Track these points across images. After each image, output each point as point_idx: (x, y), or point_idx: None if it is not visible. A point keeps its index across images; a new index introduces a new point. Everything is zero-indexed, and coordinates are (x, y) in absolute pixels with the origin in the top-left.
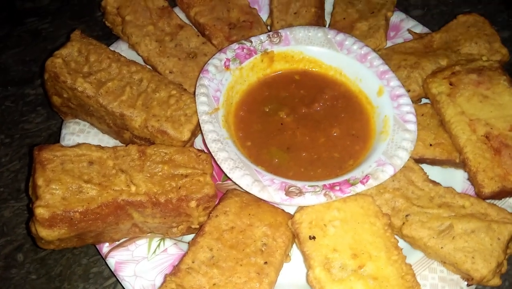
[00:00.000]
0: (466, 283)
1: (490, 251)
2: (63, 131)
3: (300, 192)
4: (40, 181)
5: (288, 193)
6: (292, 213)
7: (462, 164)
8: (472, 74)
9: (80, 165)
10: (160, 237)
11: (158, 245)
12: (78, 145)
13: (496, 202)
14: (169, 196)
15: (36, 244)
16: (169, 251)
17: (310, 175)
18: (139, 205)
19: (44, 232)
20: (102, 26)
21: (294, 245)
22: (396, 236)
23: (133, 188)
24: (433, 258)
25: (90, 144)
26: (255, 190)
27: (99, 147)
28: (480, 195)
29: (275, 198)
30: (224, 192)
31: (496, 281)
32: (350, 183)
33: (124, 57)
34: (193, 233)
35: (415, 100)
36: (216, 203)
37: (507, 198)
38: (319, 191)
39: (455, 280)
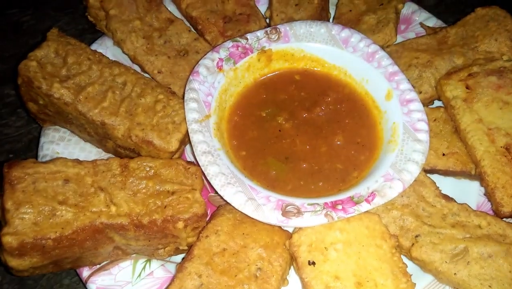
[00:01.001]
0: None
1: (509, 279)
2: (42, 140)
3: (299, 212)
4: (8, 204)
5: (285, 213)
6: (290, 231)
7: (479, 177)
8: (492, 76)
9: (55, 183)
10: (146, 258)
11: (144, 268)
12: (53, 160)
13: None
14: (154, 217)
15: (9, 272)
16: (155, 274)
17: (310, 189)
18: (120, 228)
19: (13, 262)
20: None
21: (293, 268)
22: (404, 258)
23: (113, 209)
24: (445, 284)
25: (66, 159)
26: (248, 210)
27: (77, 162)
28: (498, 214)
29: (271, 220)
30: (216, 206)
31: None
32: (354, 202)
33: (107, 57)
34: (182, 254)
35: (427, 103)
36: (208, 219)
37: None
38: (319, 210)
39: None
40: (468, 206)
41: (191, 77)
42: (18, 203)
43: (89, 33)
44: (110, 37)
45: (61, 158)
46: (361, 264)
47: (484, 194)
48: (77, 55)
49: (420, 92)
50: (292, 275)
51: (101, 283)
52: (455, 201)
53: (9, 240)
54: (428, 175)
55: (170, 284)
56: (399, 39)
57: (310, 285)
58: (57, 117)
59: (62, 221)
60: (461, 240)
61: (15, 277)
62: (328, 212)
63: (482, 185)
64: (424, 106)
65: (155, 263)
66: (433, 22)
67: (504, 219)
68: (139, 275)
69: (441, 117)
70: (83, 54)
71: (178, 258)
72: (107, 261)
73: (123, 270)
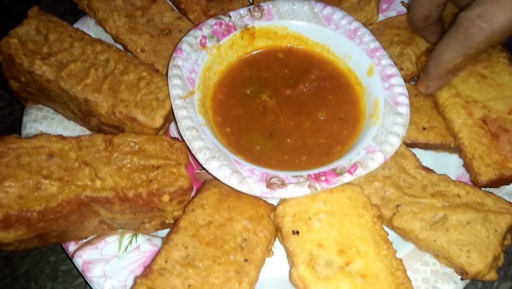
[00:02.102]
0: (460, 277)
1: (486, 244)
2: (25, 118)
3: (283, 184)
4: None
5: (269, 185)
6: (275, 204)
7: (457, 149)
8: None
9: (39, 158)
10: (132, 233)
11: (130, 242)
12: (36, 136)
13: (492, 190)
14: (139, 191)
15: None
16: (142, 248)
17: (294, 163)
18: (105, 201)
19: None
20: (70, 0)
21: (278, 239)
22: (386, 228)
23: (98, 183)
24: (425, 251)
25: (49, 134)
26: (233, 183)
27: (60, 137)
28: (476, 183)
29: (255, 191)
30: (202, 182)
31: (492, 275)
32: (336, 173)
33: (89, 35)
34: (168, 228)
35: (408, 79)
36: (193, 195)
37: (504, 185)
38: (303, 182)
39: (448, 274)
40: (448, 176)
41: (174, 54)
42: (1, 177)
43: (71, 14)
44: (92, 17)
45: (44, 133)
46: (343, 232)
47: (463, 166)
48: (58, 32)
49: (402, 69)
50: (277, 247)
51: (87, 257)
52: (435, 172)
53: None
54: (409, 148)
55: (156, 255)
56: (381, 17)
57: (294, 253)
58: (39, 94)
59: (47, 195)
60: (440, 209)
61: (0, 255)
62: (312, 183)
63: (460, 157)
64: (405, 82)
65: (141, 238)
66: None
67: (482, 188)
68: (126, 249)
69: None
70: (65, 31)
71: (164, 232)
72: (93, 236)
73: (110, 244)
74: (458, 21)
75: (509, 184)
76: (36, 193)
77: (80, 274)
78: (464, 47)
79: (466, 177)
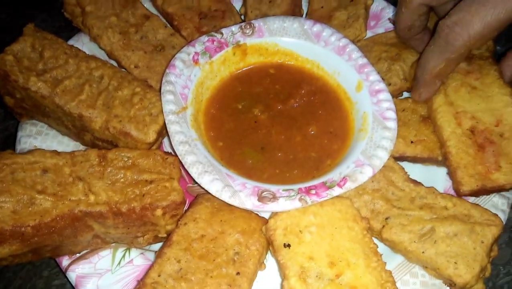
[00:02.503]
0: (448, 288)
1: (473, 255)
2: (19, 134)
3: (274, 197)
4: None
5: (261, 198)
6: (267, 217)
7: (443, 158)
8: (462, 62)
9: (33, 173)
10: (126, 247)
11: (123, 256)
12: (31, 151)
13: (479, 201)
14: (132, 205)
15: None
16: (135, 262)
17: (285, 177)
18: (99, 216)
19: None
20: (65, 16)
21: (270, 252)
22: (376, 240)
23: (91, 198)
24: (414, 263)
25: (44, 150)
26: (225, 196)
27: (55, 153)
28: (458, 193)
29: (247, 205)
30: (194, 196)
31: (480, 286)
32: (326, 186)
33: (84, 52)
34: (161, 242)
35: (396, 94)
36: (186, 208)
37: (489, 196)
38: (294, 195)
39: (437, 285)
40: (435, 189)
41: (167, 70)
42: None
43: (66, 31)
44: (87, 34)
45: (39, 149)
46: (334, 245)
47: (447, 174)
48: (53, 49)
49: (390, 84)
50: (269, 261)
51: (81, 271)
52: (422, 185)
53: None
54: (398, 162)
55: (149, 269)
56: (369, 34)
57: (286, 266)
58: (34, 110)
59: (41, 210)
60: (428, 221)
61: None
62: (302, 197)
63: (445, 165)
64: (393, 97)
65: (134, 252)
66: None
67: (462, 197)
68: (119, 263)
69: (409, 107)
70: (60, 48)
71: (157, 246)
72: (86, 250)
73: (103, 258)
74: (438, 29)
75: (489, 195)
76: (30, 208)
77: None
78: (445, 53)
79: (452, 190)
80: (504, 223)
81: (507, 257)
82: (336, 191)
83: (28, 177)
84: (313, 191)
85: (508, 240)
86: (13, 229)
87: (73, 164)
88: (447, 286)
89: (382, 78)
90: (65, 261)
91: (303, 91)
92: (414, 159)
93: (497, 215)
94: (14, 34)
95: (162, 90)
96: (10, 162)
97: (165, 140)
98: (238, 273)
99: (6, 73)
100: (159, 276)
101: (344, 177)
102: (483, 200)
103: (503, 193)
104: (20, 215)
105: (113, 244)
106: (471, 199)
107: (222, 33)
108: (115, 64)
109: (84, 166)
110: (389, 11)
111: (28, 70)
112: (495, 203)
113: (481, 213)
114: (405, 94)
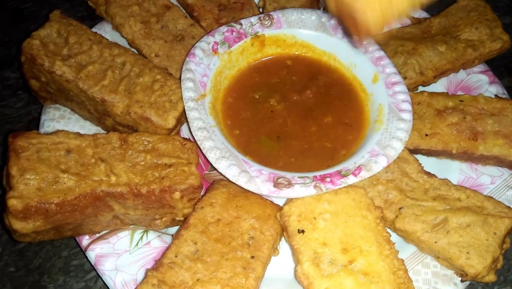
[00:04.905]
0: (460, 279)
1: (485, 246)
2: (43, 117)
3: (289, 184)
4: (13, 171)
5: (276, 184)
6: (281, 205)
7: (460, 156)
8: None
9: (57, 153)
10: (143, 229)
11: (141, 238)
12: (56, 132)
13: (493, 194)
14: (152, 187)
15: (11, 237)
16: (152, 244)
17: (300, 165)
18: (120, 196)
19: (17, 225)
20: (87, 6)
21: (283, 238)
22: (388, 230)
23: (113, 178)
24: (426, 253)
25: (68, 131)
26: (241, 181)
27: (78, 134)
28: None
29: (263, 190)
30: (211, 183)
31: (491, 277)
32: (341, 175)
33: (107, 39)
34: (177, 225)
35: (412, 88)
36: (202, 194)
37: (503, 190)
38: (309, 182)
39: (448, 276)
40: (449, 181)
41: (187, 59)
42: (22, 169)
43: (88, 20)
44: (109, 22)
45: (63, 130)
46: (347, 232)
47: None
48: (78, 35)
49: (405, 78)
50: (283, 247)
51: (99, 251)
52: (436, 177)
53: (14, 203)
54: (412, 154)
55: (166, 249)
56: (386, 29)
57: (300, 251)
58: (58, 94)
59: (65, 188)
60: (441, 212)
61: (15, 249)
62: (317, 184)
63: None
64: (409, 90)
65: (152, 234)
66: (418, 13)
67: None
68: (137, 244)
69: (424, 100)
70: (84, 34)
71: (174, 230)
72: (106, 231)
73: (121, 239)
74: None
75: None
76: (54, 186)
77: (91, 269)
78: None
79: (467, 183)
80: None
81: None
82: (351, 179)
83: (52, 157)
84: (328, 179)
85: None
86: (38, 205)
87: (95, 146)
88: (459, 276)
89: (398, 72)
90: (85, 241)
91: (319, 83)
92: (428, 152)
93: (510, 207)
94: (38, 23)
95: (182, 78)
96: (35, 142)
97: (183, 127)
98: (252, 257)
99: (33, 56)
100: (176, 256)
101: (359, 166)
102: (496, 194)
103: None
104: (45, 192)
105: (132, 226)
106: (486, 192)
107: (241, 24)
108: (136, 52)
109: (106, 148)
110: None
111: (54, 54)
112: (509, 196)
113: (495, 205)
114: (421, 88)
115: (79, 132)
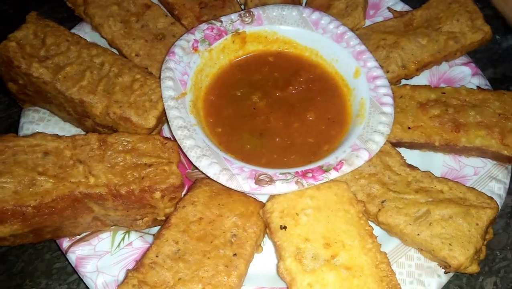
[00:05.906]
0: (443, 270)
1: (468, 238)
2: (22, 120)
3: (271, 180)
4: None
5: (258, 181)
6: (265, 202)
7: (442, 149)
8: None
9: (34, 156)
10: (125, 230)
11: (123, 239)
12: (33, 135)
13: (476, 186)
14: (131, 187)
15: None
16: (134, 244)
17: (283, 161)
18: (99, 198)
19: None
20: (67, 7)
21: (267, 235)
22: (371, 224)
23: (91, 180)
24: (410, 245)
25: (45, 133)
26: (223, 179)
27: (56, 136)
28: None
29: (244, 187)
30: (193, 181)
31: (474, 268)
32: (323, 170)
33: (85, 39)
34: (159, 225)
35: (394, 82)
36: (184, 192)
37: (486, 181)
38: (290, 178)
39: (432, 268)
40: (431, 173)
41: (167, 57)
42: None
43: (68, 22)
44: (88, 23)
45: (40, 132)
46: (329, 227)
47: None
48: (55, 36)
49: (388, 72)
50: (266, 244)
51: (80, 252)
52: (419, 169)
53: None
54: (395, 147)
55: (147, 250)
56: (368, 23)
57: (282, 247)
58: (36, 96)
59: (42, 190)
60: (424, 204)
61: None
62: (299, 180)
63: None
64: (391, 84)
65: (133, 235)
66: (400, 6)
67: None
68: (118, 245)
69: (406, 94)
70: (62, 35)
71: (156, 230)
72: (87, 233)
73: (103, 240)
74: None
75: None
76: (31, 189)
77: (73, 271)
78: None
79: (450, 175)
80: (500, 207)
81: (504, 242)
82: (333, 174)
83: (29, 159)
84: (310, 174)
85: (505, 226)
86: (14, 208)
87: (73, 147)
88: (442, 268)
89: (381, 66)
90: (65, 243)
91: (301, 79)
92: (411, 145)
93: (492, 198)
94: (17, 25)
95: (161, 76)
96: (12, 145)
97: (165, 126)
98: (235, 255)
99: (10, 59)
100: (157, 256)
101: (340, 161)
102: (480, 185)
103: (500, 178)
104: (21, 195)
105: (113, 227)
106: (469, 183)
107: (221, 21)
108: (116, 52)
109: (84, 150)
110: (388, 0)
111: (31, 56)
112: (492, 187)
113: (477, 196)
114: (403, 81)
115: (57, 134)
